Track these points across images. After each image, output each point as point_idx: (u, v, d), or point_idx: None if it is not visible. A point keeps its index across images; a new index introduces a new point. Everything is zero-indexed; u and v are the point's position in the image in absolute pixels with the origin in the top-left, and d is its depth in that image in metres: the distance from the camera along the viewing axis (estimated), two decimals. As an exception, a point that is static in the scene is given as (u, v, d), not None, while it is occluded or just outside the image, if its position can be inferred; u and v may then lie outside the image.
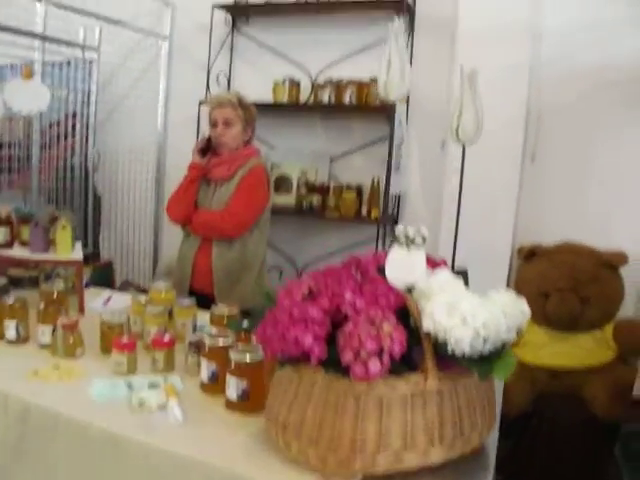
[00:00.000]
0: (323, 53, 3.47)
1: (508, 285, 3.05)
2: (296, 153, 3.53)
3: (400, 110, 3.11)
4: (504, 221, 3.09)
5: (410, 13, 3.26)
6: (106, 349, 1.78)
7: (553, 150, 3.11)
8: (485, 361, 1.20)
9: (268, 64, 3.62)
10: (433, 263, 1.54)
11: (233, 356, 1.49)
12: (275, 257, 3.68)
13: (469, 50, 3.02)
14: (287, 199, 3.48)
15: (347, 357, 1.15)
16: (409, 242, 1.35)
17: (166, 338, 1.71)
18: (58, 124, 3.48)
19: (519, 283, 2.93)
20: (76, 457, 1.43)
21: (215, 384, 1.57)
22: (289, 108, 3.48)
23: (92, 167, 3.54)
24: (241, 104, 2.61)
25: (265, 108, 3.46)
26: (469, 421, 1.29)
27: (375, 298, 1.27)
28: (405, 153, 3.28)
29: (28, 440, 1.49)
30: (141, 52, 3.88)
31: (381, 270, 1.38)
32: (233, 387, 1.48)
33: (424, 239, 1.36)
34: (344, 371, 1.16)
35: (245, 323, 1.75)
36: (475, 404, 1.31)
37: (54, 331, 1.78)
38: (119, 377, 1.63)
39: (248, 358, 1.47)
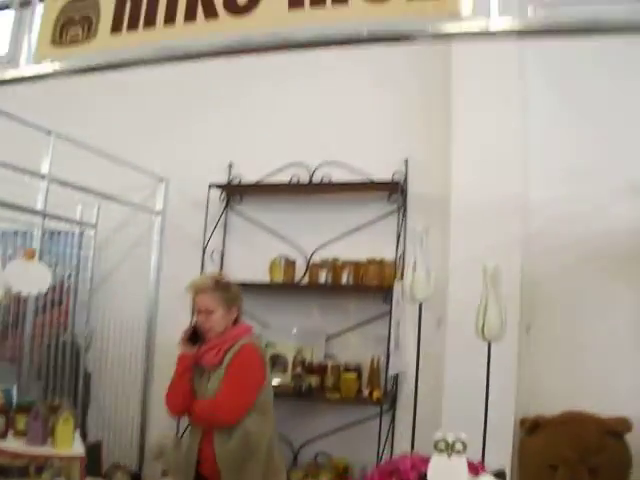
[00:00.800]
0: (317, 232, 3.57)
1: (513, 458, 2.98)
2: (291, 332, 3.50)
3: (397, 289, 3.16)
4: (505, 394, 3.06)
5: (403, 193, 3.41)
6: None
7: (547, 320, 3.17)
8: None
9: (262, 242, 3.70)
10: (472, 467, 1.52)
11: None
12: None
13: (462, 228, 3.17)
14: (282, 379, 3.41)
15: None
16: (449, 449, 1.36)
17: None
18: (54, 289, 3.38)
19: (525, 456, 2.91)
20: None
21: None
22: (285, 287, 3.51)
23: (84, 346, 3.45)
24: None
25: (260, 287, 3.50)
26: None
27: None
28: (403, 331, 3.28)
29: None
30: (134, 226, 3.93)
31: (422, 478, 1.36)
32: None
33: (464, 445, 1.36)
34: None
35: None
36: None
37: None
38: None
39: None
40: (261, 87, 3.78)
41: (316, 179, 3.60)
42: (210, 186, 3.70)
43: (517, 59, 3.20)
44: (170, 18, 1.61)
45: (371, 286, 3.30)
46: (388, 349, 3.08)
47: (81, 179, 3.36)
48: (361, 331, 3.44)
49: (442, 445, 1.36)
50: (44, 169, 3.21)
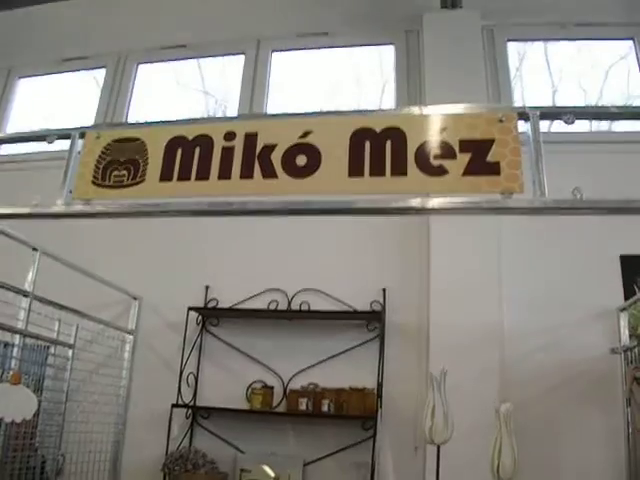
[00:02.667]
0: (295, 358, 3.63)
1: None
2: (267, 458, 3.47)
3: (378, 416, 3.23)
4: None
5: (381, 320, 3.53)
6: None
7: (523, 446, 3.26)
8: None
9: (238, 366, 3.72)
10: None
11: None
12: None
13: (439, 357, 3.28)
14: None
15: None
16: None
17: None
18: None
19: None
20: None
21: None
22: (262, 414, 3.50)
23: (55, 470, 3.27)
24: None
25: (236, 412, 3.49)
26: None
27: None
28: (382, 459, 3.32)
29: None
30: (106, 341, 3.87)
31: None
32: None
33: None
34: None
35: None
36: None
37: None
38: None
39: None
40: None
41: (295, 306, 3.69)
42: (189, 309, 3.72)
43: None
44: (225, 174, 1.73)
45: (353, 415, 3.35)
46: (372, 476, 3.10)
47: (57, 294, 3.33)
48: (339, 457, 3.44)
49: None
50: (27, 286, 3.16)
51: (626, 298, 3.40)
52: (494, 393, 3.21)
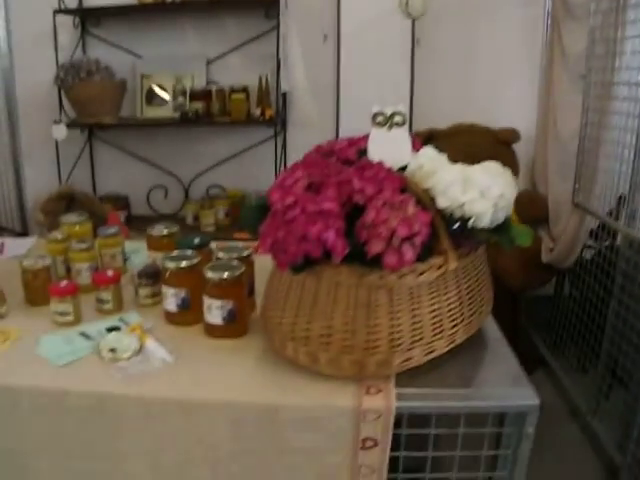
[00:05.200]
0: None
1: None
2: (168, 60, 3.18)
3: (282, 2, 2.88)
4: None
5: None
6: (34, 300, 1.50)
7: (437, 33, 3.06)
8: (504, 231, 1.16)
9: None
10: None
11: (212, 274, 1.29)
12: (158, 175, 3.40)
13: None
14: (163, 111, 3.18)
15: (376, 247, 1.03)
16: (388, 122, 1.26)
17: (110, 273, 1.47)
18: None
19: (419, 169, 2.99)
20: (55, 439, 1.18)
21: (186, 312, 1.38)
22: (154, 9, 3.08)
23: None
24: None
25: (128, 10, 3.07)
26: (479, 297, 1.27)
27: (380, 183, 1.13)
28: (288, 49, 3.07)
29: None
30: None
31: (361, 155, 1.27)
32: (217, 311, 1.30)
33: (404, 118, 1.27)
34: (370, 264, 1.06)
35: (197, 239, 1.55)
36: (482, 279, 1.29)
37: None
38: (66, 329, 1.37)
39: (229, 274, 1.29)
40: None
41: None
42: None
43: None
44: None
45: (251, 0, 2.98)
46: (278, 66, 2.89)
47: None
48: (244, 51, 3.17)
49: (380, 119, 1.26)
50: None
51: None
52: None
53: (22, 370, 1.21)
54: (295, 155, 3.18)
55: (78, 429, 1.16)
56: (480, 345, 1.30)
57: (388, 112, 1.25)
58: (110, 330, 1.35)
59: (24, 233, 3.50)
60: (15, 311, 1.47)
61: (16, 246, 2.00)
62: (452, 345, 1.20)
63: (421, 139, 2.91)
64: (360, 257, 1.06)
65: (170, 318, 1.40)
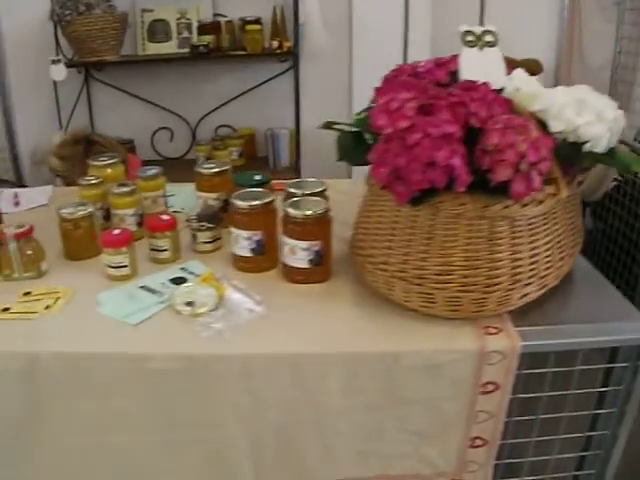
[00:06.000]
0: None
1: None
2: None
3: None
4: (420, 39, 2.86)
5: None
6: (75, 254, 1.33)
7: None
8: (616, 156, 1.05)
9: None
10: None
11: (294, 212, 1.13)
12: (162, 117, 3.18)
13: None
14: (167, 47, 2.94)
15: (503, 174, 0.91)
16: (479, 41, 1.11)
17: (165, 217, 1.30)
18: None
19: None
20: (136, 410, 1.03)
21: (261, 256, 1.22)
22: None
23: None
24: None
25: None
26: (577, 229, 1.20)
27: (489, 105, 0.99)
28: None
29: (48, 414, 1.04)
30: None
31: (452, 77, 1.12)
32: (303, 252, 1.14)
33: (495, 37, 1.13)
34: (492, 193, 0.94)
35: (258, 176, 1.39)
36: (578, 210, 1.21)
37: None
38: (123, 284, 1.21)
39: (314, 212, 1.13)
40: None
41: None
42: None
43: None
44: None
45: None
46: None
47: None
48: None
49: (470, 38, 1.11)
50: None
51: None
52: None
53: (89, 334, 1.06)
54: (309, 89, 2.99)
55: (164, 396, 1.02)
56: (578, 280, 1.21)
57: (478, 31, 1.11)
58: (176, 282, 1.19)
59: (22, 184, 3.28)
60: (56, 267, 1.29)
61: (32, 196, 1.81)
62: (559, 279, 1.10)
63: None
64: (479, 186, 0.93)
65: (241, 264, 1.24)
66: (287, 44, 2.74)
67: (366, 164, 1.02)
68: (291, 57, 2.84)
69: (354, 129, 1.08)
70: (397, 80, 1.11)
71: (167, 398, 1.02)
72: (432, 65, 1.16)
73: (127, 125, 3.17)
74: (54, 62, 2.73)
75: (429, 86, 1.03)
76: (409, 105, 0.97)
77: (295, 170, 2.95)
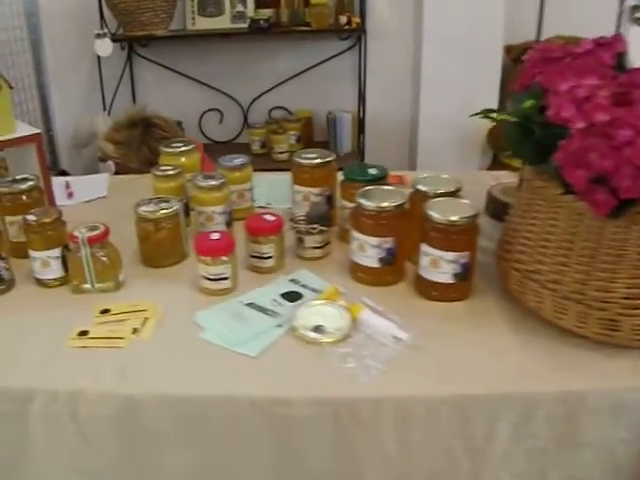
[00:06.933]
0: None
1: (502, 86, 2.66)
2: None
3: None
4: (492, 21, 2.60)
5: None
6: (156, 260, 1.12)
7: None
8: None
9: None
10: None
11: (439, 217, 0.91)
12: (211, 97, 2.95)
13: None
14: (219, 22, 2.71)
15: None
16: None
17: (270, 218, 1.08)
18: None
19: (514, 84, 2.60)
20: (260, 459, 0.83)
21: (389, 267, 1.00)
22: None
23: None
24: None
25: None
26: None
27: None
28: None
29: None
30: None
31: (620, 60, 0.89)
32: (448, 265, 0.92)
33: None
34: None
35: (374, 170, 1.16)
36: None
37: (64, 255, 1.05)
38: (224, 300, 0.99)
39: (461, 218, 0.91)
40: None
41: None
42: None
43: None
44: None
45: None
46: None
47: None
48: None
49: None
50: None
51: None
52: None
53: (197, 369, 0.84)
54: (374, 70, 2.75)
55: (295, 446, 0.80)
56: None
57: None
58: (289, 298, 0.97)
59: (62, 171, 3.07)
60: (134, 277, 1.07)
61: (87, 187, 1.60)
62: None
63: (513, 55, 2.54)
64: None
65: (361, 275, 1.02)
66: (356, 19, 2.49)
67: (540, 162, 0.80)
68: (355, 35, 2.59)
69: (516, 119, 0.85)
70: (567, 63, 0.88)
71: (298, 448, 0.81)
72: (591, 45, 0.92)
73: (173, 106, 2.92)
74: (99, 36, 2.50)
75: (609, 71, 0.81)
76: (602, 93, 0.74)
77: (359, 157, 2.71)
